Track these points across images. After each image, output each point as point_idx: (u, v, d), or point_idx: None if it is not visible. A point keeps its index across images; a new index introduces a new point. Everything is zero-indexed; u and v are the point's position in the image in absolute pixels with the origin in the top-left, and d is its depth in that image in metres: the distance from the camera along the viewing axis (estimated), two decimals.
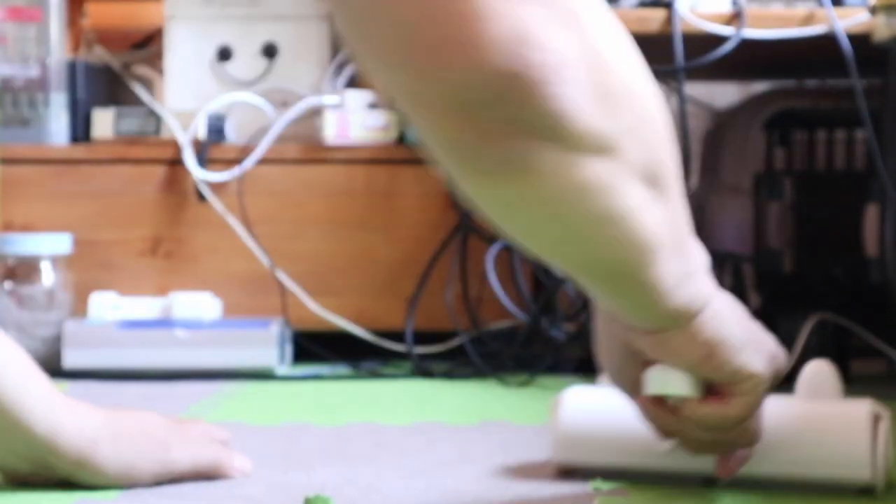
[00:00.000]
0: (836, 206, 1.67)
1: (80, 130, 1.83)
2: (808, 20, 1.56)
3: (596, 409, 0.97)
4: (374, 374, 1.66)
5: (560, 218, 0.67)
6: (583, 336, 1.61)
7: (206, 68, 1.89)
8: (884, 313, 1.54)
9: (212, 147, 1.78)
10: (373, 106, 1.85)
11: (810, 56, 1.67)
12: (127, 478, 0.93)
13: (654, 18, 1.56)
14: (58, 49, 1.81)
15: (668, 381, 0.84)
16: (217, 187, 1.76)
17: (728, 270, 1.65)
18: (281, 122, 1.80)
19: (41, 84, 1.79)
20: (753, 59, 1.73)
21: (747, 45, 1.55)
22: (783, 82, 2.05)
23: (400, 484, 0.96)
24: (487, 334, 1.70)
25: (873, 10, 1.39)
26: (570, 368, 1.65)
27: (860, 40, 1.49)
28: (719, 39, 1.55)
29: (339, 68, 1.92)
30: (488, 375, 1.60)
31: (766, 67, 1.90)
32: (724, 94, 2.22)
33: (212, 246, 1.77)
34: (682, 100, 1.55)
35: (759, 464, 0.92)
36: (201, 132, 1.78)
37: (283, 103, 1.87)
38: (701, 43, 1.55)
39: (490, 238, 1.72)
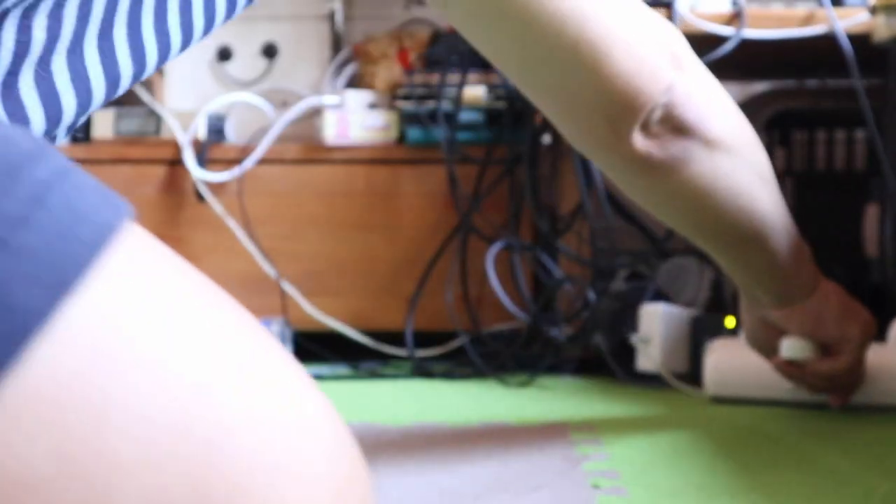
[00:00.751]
0: (836, 206, 1.67)
1: (80, 130, 1.83)
2: (808, 20, 1.56)
3: (740, 355, 1.31)
4: (374, 375, 1.66)
5: (712, 191, 1.01)
6: (582, 337, 1.61)
7: (206, 68, 1.89)
8: (884, 313, 1.54)
9: (212, 147, 1.78)
10: (373, 106, 1.85)
11: (810, 56, 1.67)
12: None
13: None
14: None
15: (795, 347, 1.19)
16: (217, 187, 1.76)
17: None
18: (281, 122, 1.80)
19: None
20: (753, 59, 1.73)
21: (747, 45, 1.55)
22: (783, 82, 2.05)
23: (400, 484, 0.96)
24: (487, 335, 1.70)
25: (873, 10, 1.39)
26: (569, 369, 1.65)
27: (860, 40, 1.49)
28: (719, 39, 1.55)
29: (339, 68, 1.92)
30: (488, 376, 1.60)
31: (766, 67, 1.90)
32: None
33: (211, 246, 1.77)
34: None
35: (861, 395, 1.27)
36: (201, 132, 1.78)
37: (283, 103, 1.87)
38: (701, 43, 1.55)
39: (490, 238, 1.72)
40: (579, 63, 0.89)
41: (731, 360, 1.36)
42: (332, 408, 0.49)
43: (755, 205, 1.05)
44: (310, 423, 0.46)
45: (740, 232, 1.06)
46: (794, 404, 1.31)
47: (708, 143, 0.99)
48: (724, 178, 1.01)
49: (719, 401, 1.36)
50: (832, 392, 1.27)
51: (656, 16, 0.95)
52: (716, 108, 1.00)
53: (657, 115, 0.94)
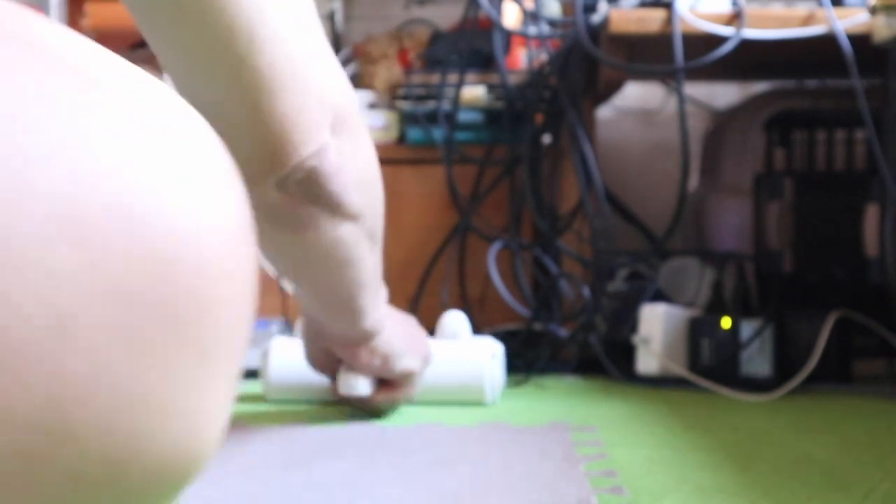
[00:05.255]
0: (836, 206, 1.67)
1: None
2: (808, 20, 1.56)
3: (297, 360, 1.34)
4: None
5: (323, 258, 0.98)
6: (581, 336, 1.61)
7: None
8: (884, 313, 1.54)
9: None
10: (373, 106, 1.85)
11: (810, 56, 1.67)
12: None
13: (654, 18, 1.56)
14: None
15: (352, 385, 1.24)
16: None
17: (730, 271, 1.65)
18: None
19: None
20: (753, 59, 1.73)
21: (747, 45, 1.55)
22: (783, 82, 2.05)
23: (400, 484, 0.96)
24: (488, 334, 1.70)
25: (873, 10, 1.39)
26: (569, 368, 1.65)
27: (860, 40, 1.49)
28: (719, 39, 1.55)
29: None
30: None
31: (766, 67, 1.91)
32: (724, 94, 2.22)
33: None
34: (682, 100, 1.55)
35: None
36: None
37: None
38: (701, 43, 1.55)
39: (490, 238, 1.72)
40: (238, 87, 0.81)
41: (289, 364, 1.39)
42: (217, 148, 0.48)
43: (361, 273, 1.04)
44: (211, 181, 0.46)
45: (339, 295, 1.07)
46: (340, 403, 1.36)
47: (339, 214, 0.95)
48: (341, 249, 0.99)
49: (274, 401, 1.41)
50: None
51: (337, 69, 0.89)
52: (360, 180, 0.95)
53: (298, 175, 0.88)
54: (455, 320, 1.43)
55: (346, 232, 0.97)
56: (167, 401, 0.43)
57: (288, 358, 1.40)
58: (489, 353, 1.38)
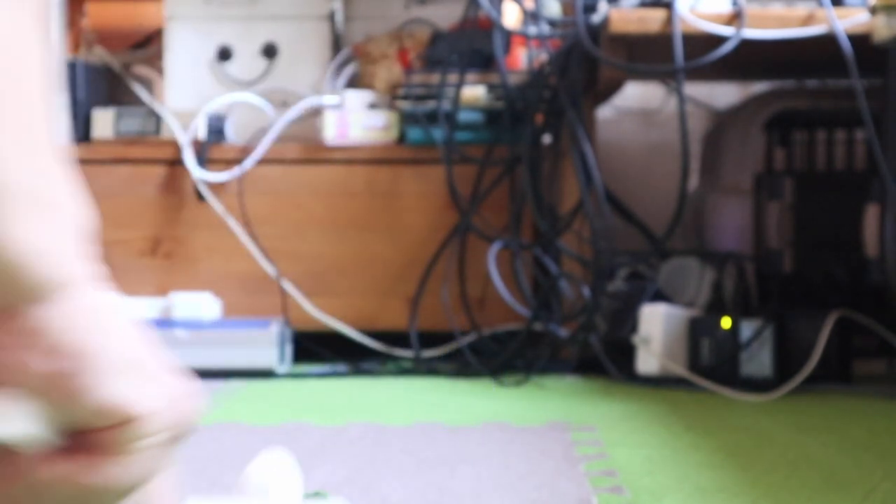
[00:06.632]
0: (836, 206, 1.67)
1: (80, 130, 1.83)
2: (808, 20, 1.56)
3: None
4: (374, 374, 1.66)
5: None
6: (581, 336, 1.61)
7: (206, 68, 1.89)
8: (884, 313, 1.54)
9: (212, 147, 1.78)
10: (373, 106, 1.85)
11: (810, 56, 1.67)
12: None
13: (654, 18, 1.56)
14: (58, 49, 1.80)
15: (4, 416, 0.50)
16: (217, 187, 1.76)
17: (730, 271, 1.65)
18: (281, 122, 1.80)
19: None
20: (753, 59, 1.73)
21: (747, 45, 1.55)
22: (783, 82, 2.05)
23: (400, 484, 0.96)
24: (487, 335, 1.70)
25: (873, 10, 1.39)
26: (569, 368, 1.65)
27: (860, 40, 1.49)
28: (719, 39, 1.55)
29: (339, 68, 1.92)
30: (487, 375, 1.60)
31: (766, 67, 1.90)
32: (724, 94, 2.22)
33: (211, 246, 1.77)
34: (682, 100, 1.55)
35: None
36: (201, 132, 1.78)
37: (283, 103, 1.87)
38: (701, 43, 1.55)
39: (490, 238, 1.72)
40: None
41: None
42: None
43: None
44: None
45: None
46: None
47: None
48: None
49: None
50: None
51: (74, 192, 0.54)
52: None
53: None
54: (265, 470, 0.80)
55: None
56: None
57: None
58: None
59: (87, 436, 0.52)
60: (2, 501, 0.54)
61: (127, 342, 0.54)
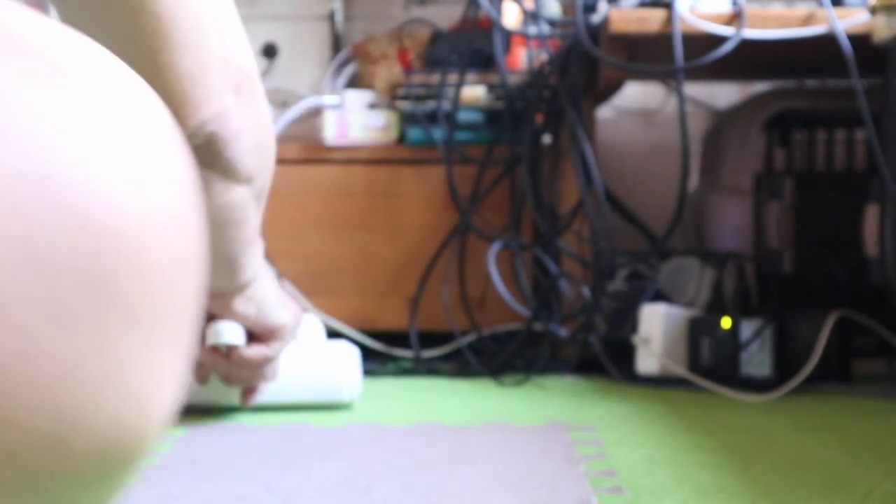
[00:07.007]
0: (836, 206, 1.67)
1: None
2: (808, 20, 1.56)
3: None
4: (374, 374, 1.66)
5: (210, 220, 0.87)
6: (581, 336, 1.61)
7: None
8: (884, 313, 1.54)
9: None
10: (373, 106, 1.85)
11: (810, 56, 1.67)
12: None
13: (654, 18, 1.56)
14: None
15: (222, 334, 1.16)
16: None
17: (730, 271, 1.65)
18: (281, 122, 1.80)
19: None
20: (753, 59, 1.73)
21: (747, 45, 1.55)
22: (783, 82, 2.05)
23: (400, 484, 0.96)
24: (487, 335, 1.70)
25: (873, 10, 1.39)
26: (569, 368, 1.65)
27: (860, 40, 1.49)
28: (719, 39, 1.55)
29: (339, 68, 1.92)
30: (487, 375, 1.60)
31: (766, 67, 1.90)
32: (724, 94, 2.22)
33: None
34: (682, 100, 1.55)
35: (269, 394, 1.29)
36: None
37: (283, 103, 1.87)
38: (701, 43, 1.55)
39: (490, 238, 1.72)
40: (136, 35, 0.75)
41: None
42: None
43: (246, 232, 1.02)
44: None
45: (221, 253, 1.03)
46: (198, 407, 1.29)
47: (232, 179, 0.93)
48: (230, 212, 0.97)
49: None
50: (249, 385, 1.25)
51: (241, 31, 0.87)
52: (257, 144, 0.93)
53: (196, 140, 0.85)
54: (309, 325, 1.37)
55: (236, 195, 0.95)
56: (102, 372, 0.41)
57: None
58: (345, 354, 1.33)
59: (263, 336, 1.19)
60: (224, 374, 1.22)
61: (275, 289, 1.17)
